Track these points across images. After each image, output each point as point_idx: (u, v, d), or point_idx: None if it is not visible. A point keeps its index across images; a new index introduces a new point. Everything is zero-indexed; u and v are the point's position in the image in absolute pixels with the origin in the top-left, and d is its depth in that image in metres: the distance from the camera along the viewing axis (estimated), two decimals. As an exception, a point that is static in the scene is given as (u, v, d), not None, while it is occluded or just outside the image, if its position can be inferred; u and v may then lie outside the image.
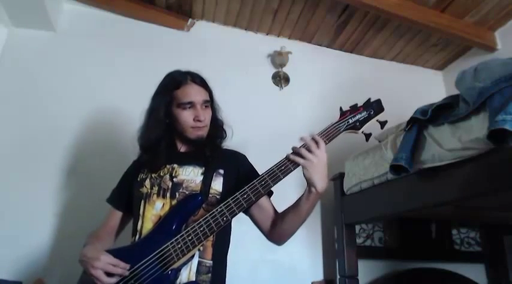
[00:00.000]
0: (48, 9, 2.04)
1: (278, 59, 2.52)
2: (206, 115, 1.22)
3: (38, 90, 2.05)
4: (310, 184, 1.03)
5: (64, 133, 2.01)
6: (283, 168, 1.05)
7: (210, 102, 1.26)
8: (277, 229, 1.16)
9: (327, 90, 2.59)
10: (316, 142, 1.03)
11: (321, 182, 1.02)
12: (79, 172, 1.97)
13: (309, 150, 1.02)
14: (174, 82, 1.22)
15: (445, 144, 1.27)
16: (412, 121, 1.44)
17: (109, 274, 1.00)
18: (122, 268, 1.00)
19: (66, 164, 1.96)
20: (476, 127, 1.15)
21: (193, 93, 1.20)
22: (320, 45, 2.76)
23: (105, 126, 2.07)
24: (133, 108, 2.16)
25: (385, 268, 2.23)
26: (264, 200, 1.18)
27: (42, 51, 2.14)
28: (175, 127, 1.22)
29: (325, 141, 1.05)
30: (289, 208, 1.15)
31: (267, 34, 2.65)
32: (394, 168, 1.42)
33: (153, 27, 2.40)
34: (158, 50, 2.35)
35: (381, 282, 2.18)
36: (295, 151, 1.04)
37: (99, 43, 2.26)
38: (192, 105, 1.19)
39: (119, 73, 2.21)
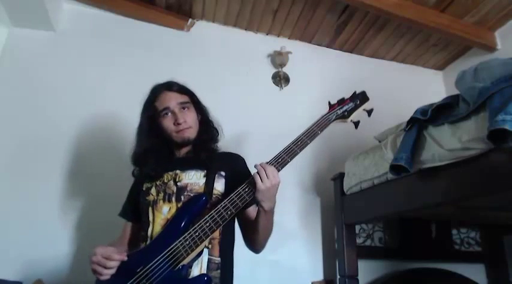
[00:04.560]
0: (48, 9, 2.04)
1: (278, 59, 2.52)
2: (186, 117, 1.26)
3: (37, 89, 2.05)
4: (259, 204, 1.10)
5: (63, 133, 2.00)
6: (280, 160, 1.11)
7: (193, 104, 1.31)
8: (250, 237, 1.23)
9: (327, 90, 2.58)
10: (265, 170, 1.05)
11: (268, 203, 1.09)
12: (79, 173, 1.96)
13: (262, 179, 1.04)
14: (152, 95, 1.29)
15: (445, 144, 1.27)
16: (412, 121, 1.43)
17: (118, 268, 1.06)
18: (116, 259, 1.05)
19: (66, 165, 1.96)
20: (476, 127, 1.15)
21: (167, 99, 1.26)
22: (320, 45, 2.76)
23: (104, 125, 2.07)
24: (133, 108, 2.16)
25: (385, 268, 2.23)
26: (252, 207, 1.23)
27: (42, 51, 2.14)
28: (165, 136, 1.28)
29: (277, 168, 1.08)
30: (253, 221, 1.19)
31: (267, 34, 2.65)
32: (394, 168, 1.42)
33: (153, 27, 2.40)
34: (158, 50, 2.35)
35: (381, 282, 2.18)
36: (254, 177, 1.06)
37: (99, 43, 2.26)
38: (169, 110, 1.25)
39: (119, 74, 2.21)
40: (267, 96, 2.47)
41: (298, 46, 2.66)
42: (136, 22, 2.38)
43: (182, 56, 2.35)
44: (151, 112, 1.27)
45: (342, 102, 1.29)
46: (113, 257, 1.05)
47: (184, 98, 1.29)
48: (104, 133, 2.05)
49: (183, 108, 1.27)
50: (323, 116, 1.23)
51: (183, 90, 1.31)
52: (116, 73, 2.20)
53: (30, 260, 1.74)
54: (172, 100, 1.26)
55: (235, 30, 2.59)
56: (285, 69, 2.54)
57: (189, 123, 1.26)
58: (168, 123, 1.25)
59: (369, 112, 1.32)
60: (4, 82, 2.01)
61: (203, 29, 2.50)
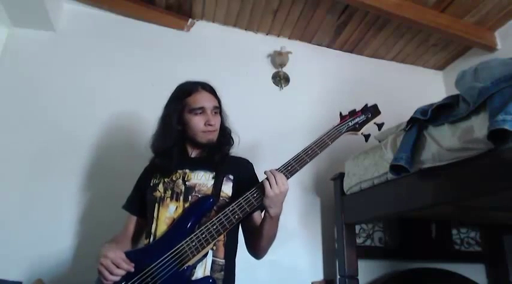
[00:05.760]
0: (48, 9, 2.04)
1: (278, 59, 2.52)
2: (216, 121, 1.28)
3: (37, 89, 2.05)
4: (266, 210, 1.11)
5: (63, 133, 2.00)
6: (289, 168, 1.12)
7: (219, 110, 1.33)
8: (253, 242, 1.23)
9: (327, 90, 2.59)
10: (275, 177, 1.07)
11: (275, 210, 1.10)
12: (80, 172, 1.96)
13: (271, 185, 1.06)
14: (185, 91, 1.30)
15: (445, 144, 1.27)
16: (412, 121, 1.44)
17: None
18: (124, 268, 1.05)
19: (65, 164, 1.96)
20: (476, 127, 1.15)
21: (204, 99, 1.28)
22: (320, 45, 2.76)
23: (103, 125, 2.07)
24: (133, 107, 2.17)
25: (385, 268, 2.23)
26: (257, 213, 1.24)
27: (42, 51, 2.14)
28: (187, 133, 1.28)
29: (286, 175, 1.10)
30: (258, 226, 1.21)
31: (267, 34, 2.65)
32: (394, 168, 1.42)
33: (153, 27, 2.40)
34: (158, 50, 2.35)
35: (381, 282, 2.18)
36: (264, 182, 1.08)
37: (99, 43, 2.26)
38: (202, 110, 1.26)
39: (119, 74, 2.21)
40: (267, 96, 2.47)
41: (298, 46, 2.66)
42: (136, 22, 2.38)
43: (182, 56, 2.35)
44: (182, 106, 1.27)
45: (353, 113, 1.29)
46: (122, 266, 1.05)
47: (217, 102, 1.32)
48: (103, 132, 2.05)
49: (215, 112, 1.30)
50: (334, 127, 1.24)
51: (215, 92, 1.34)
52: (116, 73, 2.20)
53: (30, 261, 1.74)
54: (209, 101, 1.28)
55: (235, 30, 2.59)
56: (285, 69, 2.54)
57: (217, 127, 1.29)
58: (199, 121, 1.25)
59: (380, 125, 1.32)
60: (4, 82, 2.01)
61: (203, 29, 2.50)
